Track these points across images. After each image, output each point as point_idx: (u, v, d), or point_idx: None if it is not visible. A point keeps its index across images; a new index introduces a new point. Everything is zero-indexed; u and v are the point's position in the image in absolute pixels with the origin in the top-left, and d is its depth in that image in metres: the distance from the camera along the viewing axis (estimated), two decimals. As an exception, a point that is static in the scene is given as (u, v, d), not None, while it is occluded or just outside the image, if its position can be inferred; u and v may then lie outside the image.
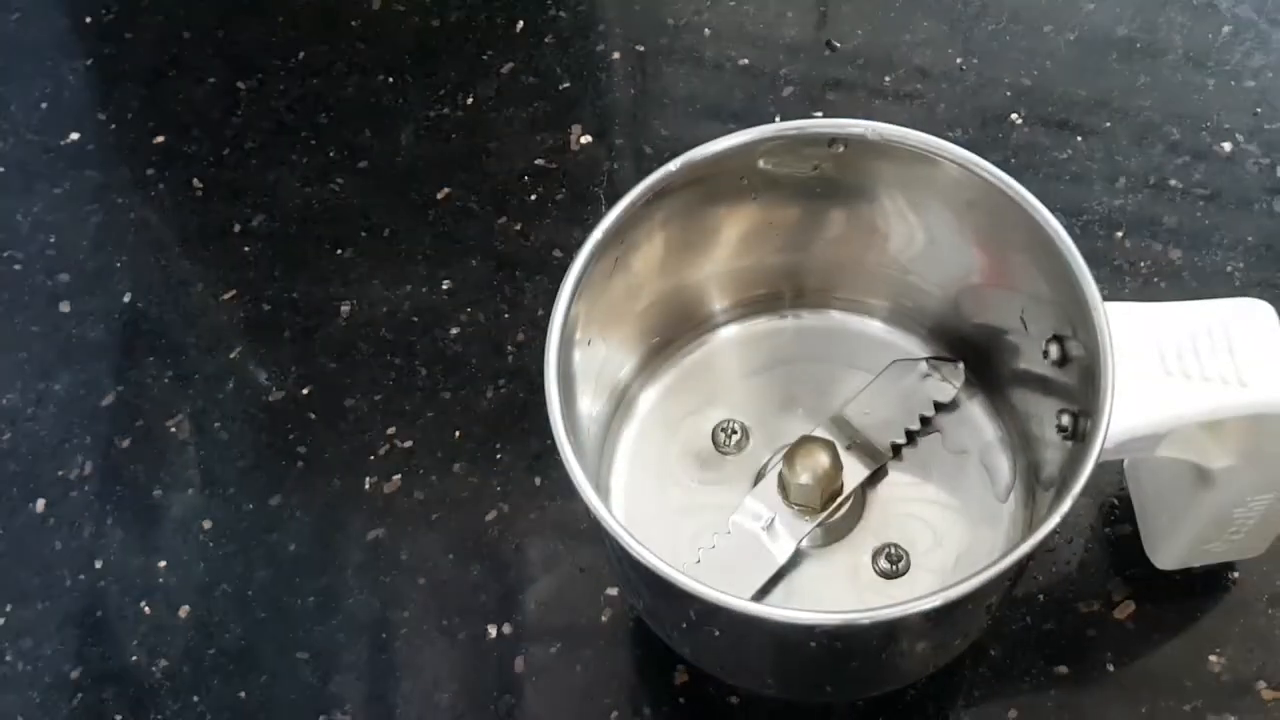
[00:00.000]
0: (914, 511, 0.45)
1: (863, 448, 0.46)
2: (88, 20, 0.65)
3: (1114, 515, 0.49)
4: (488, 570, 0.50)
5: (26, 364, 0.55)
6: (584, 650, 0.48)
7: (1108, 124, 0.58)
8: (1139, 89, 0.59)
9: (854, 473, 0.45)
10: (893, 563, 0.45)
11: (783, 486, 0.45)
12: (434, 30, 0.63)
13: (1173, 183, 0.56)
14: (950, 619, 0.40)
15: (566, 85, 0.61)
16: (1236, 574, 0.48)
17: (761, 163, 0.43)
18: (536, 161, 0.59)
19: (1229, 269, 0.54)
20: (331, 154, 0.60)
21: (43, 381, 0.55)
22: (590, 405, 0.44)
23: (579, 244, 0.41)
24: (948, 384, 0.47)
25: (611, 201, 0.42)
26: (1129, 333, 0.38)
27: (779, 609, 0.39)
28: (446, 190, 0.58)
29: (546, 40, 0.62)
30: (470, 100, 0.61)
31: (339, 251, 0.57)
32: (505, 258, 0.56)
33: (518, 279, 0.56)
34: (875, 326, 0.49)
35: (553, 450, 0.38)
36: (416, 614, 0.49)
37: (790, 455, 0.45)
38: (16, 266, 0.58)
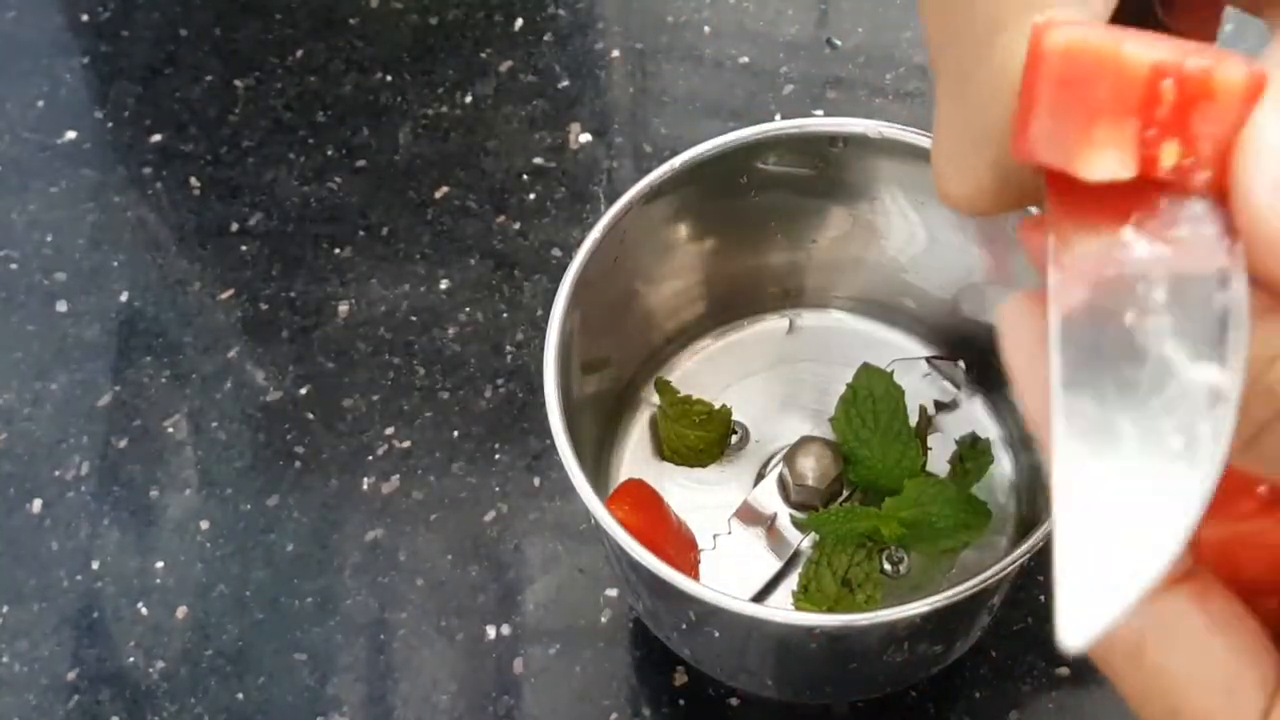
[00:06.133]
0: (915, 512, 0.45)
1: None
2: (84, 18, 0.64)
3: (1115, 515, 0.49)
4: (486, 571, 0.50)
5: (23, 364, 0.55)
6: (583, 651, 0.48)
7: (1109, 122, 0.58)
8: (1140, 87, 0.59)
9: (854, 473, 0.45)
10: (894, 563, 0.45)
11: (783, 486, 0.45)
12: (432, 28, 0.63)
13: (1174, 181, 0.56)
14: (951, 620, 0.39)
15: (565, 83, 0.61)
16: (1238, 574, 0.48)
17: (761, 161, 0.43)
18: (535, 160, 0.58)
19: (1231, 268, 0.54)
20: (329, 153, 0.59)
21: (39, 381, 0.55)
22: (590, 405, 0.44)
23: (578, 243, 0.41)
24: (948, 383, 0.47)
25: (611, 200, 0.42)
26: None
27: (779, 610, 0.39)
28: (445, 189, 0.58)
29: (545, 38, 0.62)
30: (469, 99, 0.60)
31: (337, 251, 0.57)
32: (504, 257, 0.56)
33: (516, 278, 0.56)
34: (875, 326, 0.49)
35: (552, 450, 0.38)
36: (415, 615, 0.49)
37: (791, 455, 0.45)
38: (13, 266, 0.58)
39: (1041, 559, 0.48)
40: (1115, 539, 0.20)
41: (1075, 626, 0.19)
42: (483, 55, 0.62)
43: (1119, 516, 0.20)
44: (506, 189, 0.58)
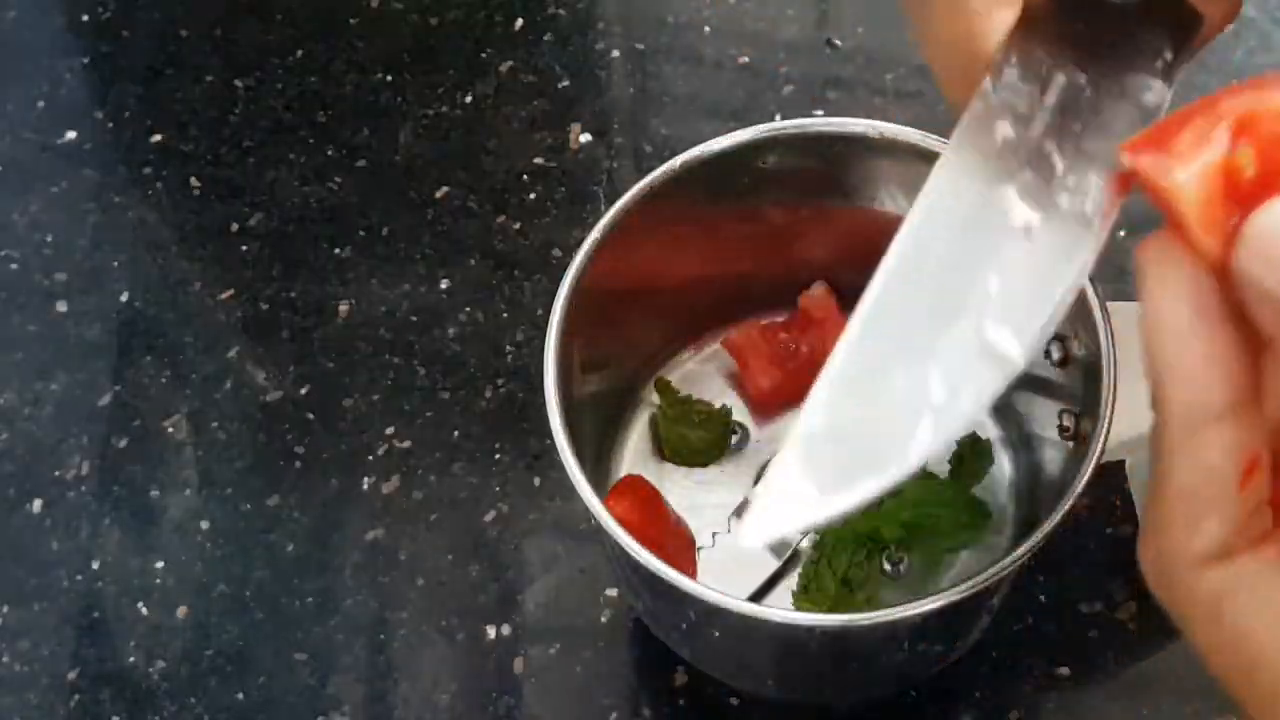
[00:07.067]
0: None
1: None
2: (85, 19, 0.64)
3: (1115, 516, 0.49)
4: (487, 571, 0.50)
5: (23, 364, 0.55)
6: (583, 651, 0.48)
7: (1109, 122, 0.58)
8: (1140, 87, 0.59)
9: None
10: (894, 563, 0.45)
11: (783, 487, 0.45)
12: (432, 28, 0.63)
13: (1174, 181, 0.56)
14: (951, 620, 0.39)
15: (566, 84, 0.61)
16: (1238, 574, 0.48)
17: (762, 162, 0.43)
18: (535, 160, 0.58)
19: (1231, 268, 0.54)
20: (330, 153, 0.59)
21: (40, 381, 0.55)
22: (590, 405, 0.44)
23: (578, 243, 0.41)
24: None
25: (611, 200, 0.42)
26: (1131, 333, 0.38)
27: (779, 610, 0.39)
28: (445, 189, 0.58)
29: (546, 38, 0.62)
30: (469, 99, 0.60)
31: (337, 251, 0.57)
32: (504, 257, 0.56)
33: (517, 278, 0.56)
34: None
35: (552, 450, 0.38)
36: (415, 615, 0.49)
37: (790, 455, 0.44)
38: (13, 266, 0.58)
39: (1041, 559, 0.48)
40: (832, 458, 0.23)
41: (757, 530, 0.23)
42: (483, 55, 0.62)
43: (847, 439, 0.23)
44: (506, 189, 0.58)
